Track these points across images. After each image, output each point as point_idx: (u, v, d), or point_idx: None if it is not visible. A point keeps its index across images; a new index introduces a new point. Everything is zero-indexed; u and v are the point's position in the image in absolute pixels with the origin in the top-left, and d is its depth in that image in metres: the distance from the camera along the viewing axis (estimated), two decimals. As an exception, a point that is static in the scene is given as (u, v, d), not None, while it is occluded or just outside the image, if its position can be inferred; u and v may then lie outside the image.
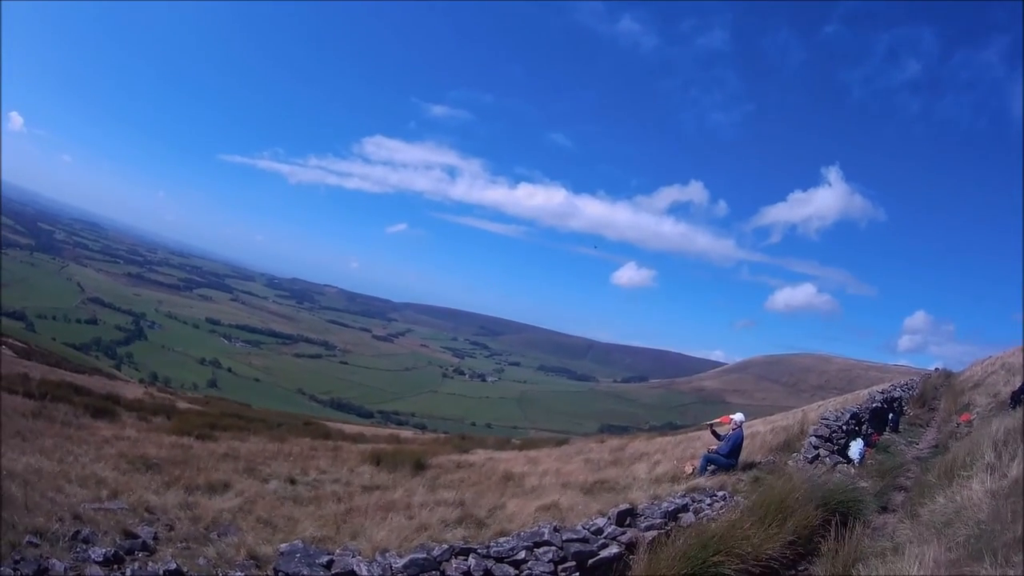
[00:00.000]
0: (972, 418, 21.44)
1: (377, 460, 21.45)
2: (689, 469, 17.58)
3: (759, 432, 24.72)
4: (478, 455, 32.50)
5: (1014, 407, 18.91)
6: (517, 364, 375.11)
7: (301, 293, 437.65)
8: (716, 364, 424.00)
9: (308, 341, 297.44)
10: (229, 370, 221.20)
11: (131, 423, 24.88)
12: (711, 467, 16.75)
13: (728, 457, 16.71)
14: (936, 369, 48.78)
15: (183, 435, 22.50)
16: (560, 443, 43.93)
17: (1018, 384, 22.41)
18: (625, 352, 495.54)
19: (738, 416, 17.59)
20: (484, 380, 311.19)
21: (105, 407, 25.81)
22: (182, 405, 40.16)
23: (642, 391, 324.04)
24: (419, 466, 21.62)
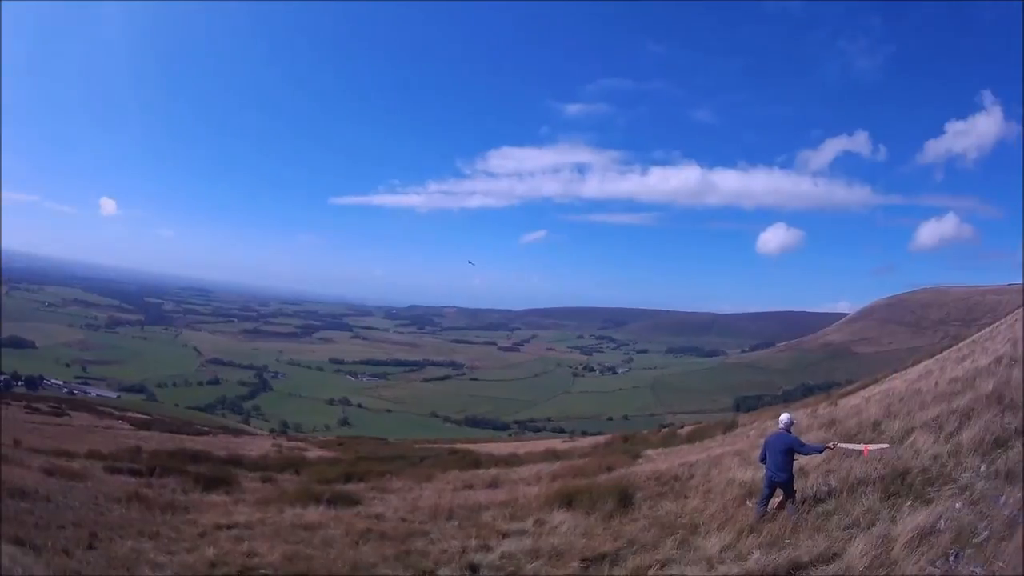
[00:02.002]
0: None
1: (568, 500, 14.68)
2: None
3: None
4: (658, 460, 27.01)
5: None
6: (645, 351, 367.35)
7: (421, 319, 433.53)
8: (842, 316, 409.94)
9: (434, 364, 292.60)
10: (359, 406, 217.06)
11: (252, 488, 20.10)
12: None
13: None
14: None
15: (310, 502, 16.30)
16: (729, 427, 39.79)
17: None
18: (749, 320, 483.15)
19: (784, 417, 12.86)
20: (615, 373, 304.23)
21: (221, 475, 20.96)
22: (312, 454, 36.55)
23: (771, 357, 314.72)
24: (624, 498, 14.82)
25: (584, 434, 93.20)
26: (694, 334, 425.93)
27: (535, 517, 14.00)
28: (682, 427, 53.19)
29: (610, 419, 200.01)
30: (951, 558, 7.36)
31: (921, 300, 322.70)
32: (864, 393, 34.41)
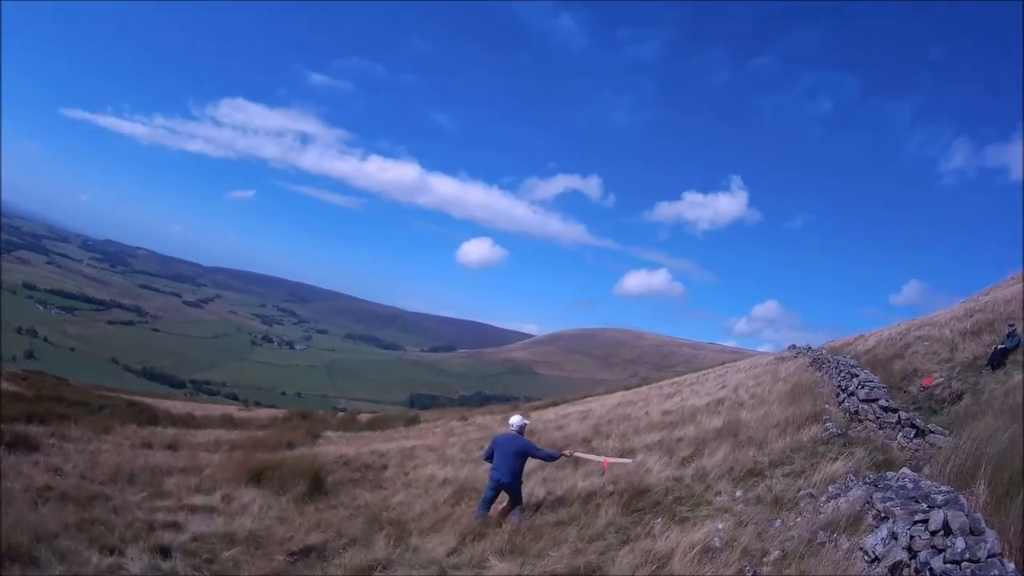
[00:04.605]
0: (935, 382, 18.41)
1: (257, 476, 13.43)
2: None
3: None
4: (341, 443, 26.90)
5: (993, 369, 18.25)
6: (325, 332, 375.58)
7: (114, 256, 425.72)
8: (528, 336, 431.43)
9: (121, 307, 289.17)
10: (45, 339, 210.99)
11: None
12: None
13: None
14: (793, 346, 44.72)
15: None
16: (411, 421, 40.32)
17: (975, 349, 20.78)
18: (432, 322, 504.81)
19: (516, 419, 12.26)
20: (293, 348, 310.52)
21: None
22: None
23: (450, 360, 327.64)
24: (317, 481, 13.79)
25: (258, 404, 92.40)
26: (376, 325, 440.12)
27: (223, 491, 12.61)
28: (359, 413, 53.67)
29: (284, 394, 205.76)
30: (748, 574, 7.33)
31: (613, 338, 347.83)
32: (557, 410, 35.97)
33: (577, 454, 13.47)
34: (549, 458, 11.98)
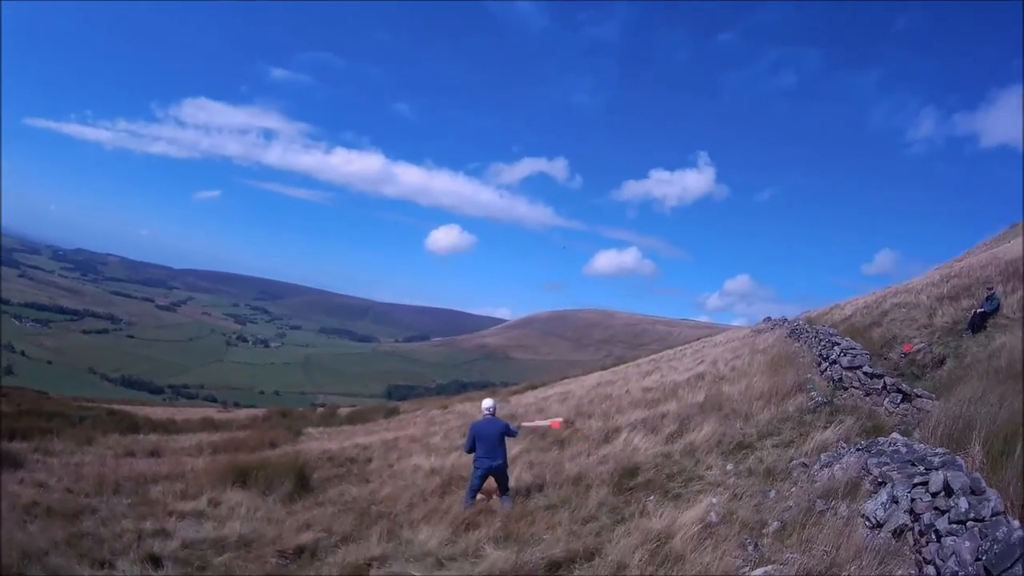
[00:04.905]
0: (916, 348, 18.40)
1: (242, 478, 13.24)
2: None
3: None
4: (323, 439, 27.65)
5: (974, 332, 18.05)
6: (299, 328, 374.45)
7: (85, 264, 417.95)
8: (501, 321, 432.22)
9: (95, 316, 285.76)
10: (22, 353, 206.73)
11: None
12: None
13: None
14: (769, 318, 44.91)
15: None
16: (391, 412, 41.06)
17: (954, 314, 20.61)
18: (404, 311, 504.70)
19: (489, 403, 12.18)
20: (267, 346, 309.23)
21: None
22: (-26, 406, 33.44)
23: (425, 350, 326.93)
24: (302, 479, 13.66)
25: (237, 405, 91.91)
26: (349, 317, 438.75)
27: (209, 495, 12.42)
28: (338, 408, 53.63)
29: (262, 393, 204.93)
30: (749, 548, 7.29)
31: (586, 319, 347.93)
32: (536, 393, 35.91)
33: (525, 424, 14.13)
34: (514, 435, 12.03)
